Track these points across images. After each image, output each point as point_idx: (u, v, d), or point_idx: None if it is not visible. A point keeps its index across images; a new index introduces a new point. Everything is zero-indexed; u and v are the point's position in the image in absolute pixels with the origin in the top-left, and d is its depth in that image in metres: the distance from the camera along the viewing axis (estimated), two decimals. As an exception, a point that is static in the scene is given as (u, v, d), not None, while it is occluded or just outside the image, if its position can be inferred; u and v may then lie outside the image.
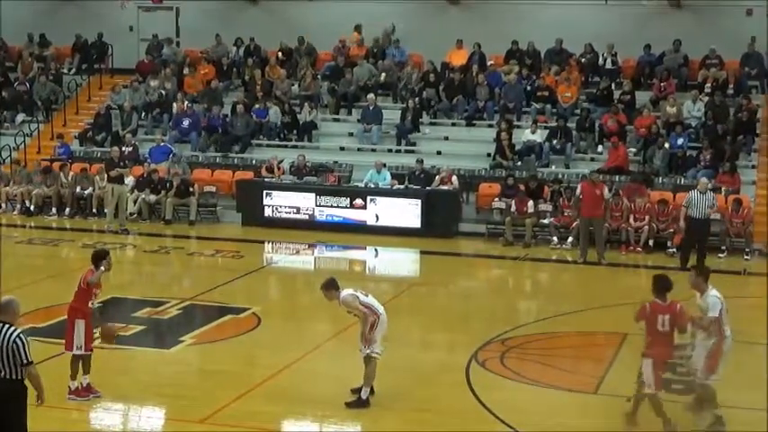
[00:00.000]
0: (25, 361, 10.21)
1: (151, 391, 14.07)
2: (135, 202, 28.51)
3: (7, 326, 10.29)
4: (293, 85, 33.33)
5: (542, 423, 13.17)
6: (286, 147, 31.03)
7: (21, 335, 10.27)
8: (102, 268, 13.57)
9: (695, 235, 23.29)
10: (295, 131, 31.55)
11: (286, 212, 27.68)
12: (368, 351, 13.55)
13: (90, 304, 13.57)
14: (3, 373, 10.26)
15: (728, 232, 25.26)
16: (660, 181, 27.41)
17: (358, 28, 34.39)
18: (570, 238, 25.41)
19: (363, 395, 13.57)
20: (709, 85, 30.39)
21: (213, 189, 29.35)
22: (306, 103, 31.95)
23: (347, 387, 13.97)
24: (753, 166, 28.18)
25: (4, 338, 10.20)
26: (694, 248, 23.17)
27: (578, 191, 24.43)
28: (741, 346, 16.97)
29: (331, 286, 13.71)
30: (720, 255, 24.84)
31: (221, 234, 27.18)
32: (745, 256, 25.00)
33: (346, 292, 13.63)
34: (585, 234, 24.08)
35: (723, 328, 13.08)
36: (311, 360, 15.72)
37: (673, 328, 12.66)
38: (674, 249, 24.48)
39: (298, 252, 25.71)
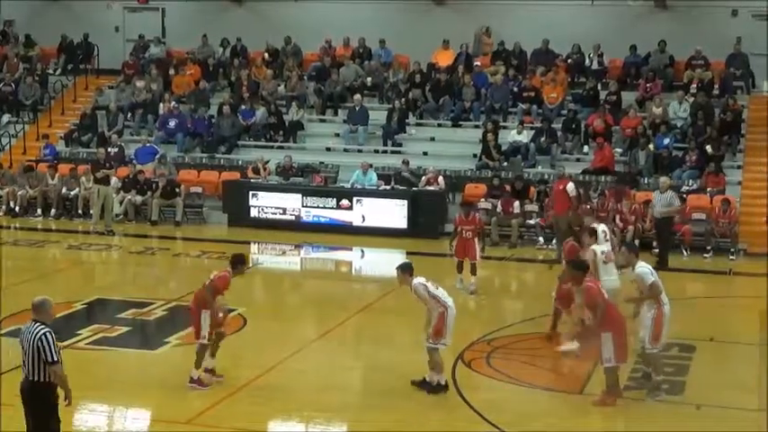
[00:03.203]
0: (50, 359, 10.02)
1: (137, 393, 14.05)
2: (121, 203, 28.48)
3: (37, 324, 10.15)
4: (279, 85, 33.31)
5: (528, 423, 13.18)
6: (272, 147, 31.01)
7: (47, 333, 10.07)
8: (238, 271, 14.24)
9: (658, 233, 23.58)
10: (281, 132, 31.52)
11: (272, 213, 27.68)
12: (433, 344, 13.81)
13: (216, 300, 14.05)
14: (28, 373, 10.13)
15: (714, 232, 25.34)
16: (645, 181, 27.47)
17: (488, 30, 33.95)
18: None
19: (442, 381, 13.90)
20: (694, 85, 30.47)
21: (199, 190, 29.34)
22: (292, 104, 31.96)
23: (333, 387, 13.97)
24: (738, 167, 28.26)
25: (31, 337, 10.06)
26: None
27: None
28: (725, 347, 17.12)
29: (406, 270, 14.05)
30: (706, 255, 24.94)
31: (207, 235, 27.16)
32: (731, 257, 25.08)
33: (418, 281, 13.91)
34: (558, 232, 24.11)
35: (660, 297, 13.75)
36: (297, 360, 15.71)
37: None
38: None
39: (284, 253, 25.71)
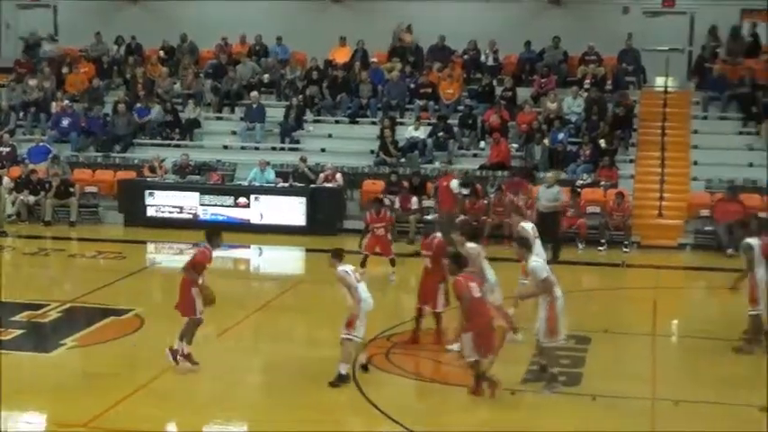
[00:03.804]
0: None
1: (32, 396, 13.80)
2: (13, 203, 28.00)
3: None
4: (175, 83, 33.08)
5: (430, 419, 13.25)
6: (169, 146, 30.78)
7: None
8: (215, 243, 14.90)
9: (543, 228, 23.87)
10: (177, 130, 31.28)
11: (169, 212, 27.49)
12: (346, 335, 14.10)
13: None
14: None
15: (608, 225, 25.73)
16: (541, 176, 27.77)
17: (409, 27, 33.75)
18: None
19: (343, 371, 14.07)
20: (588, 81, 30.91)
21: (94, 189, 29.01)
22: (188, 102, 31.73)
23: (232, 386, 13.88)
24: (631, 161, 28.75)
25: None
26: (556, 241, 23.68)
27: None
28: (619, 338, 17.41)
29: (336, 255, 14.49)
30: (601, 248, 25.32)
31: (103, 235, 26.84)
32: (624, 249, 25.51)
33: (343, 268, 14.28)
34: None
35: (553, 290, 13.89)
36: (196, 360, 15.58)
37: (483, 292, 13.75)
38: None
39: (181, 252, 25.41)
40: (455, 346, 15.62)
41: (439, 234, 16.74)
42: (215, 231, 15.16)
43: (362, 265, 20.37)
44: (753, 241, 16.15)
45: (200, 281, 14.62)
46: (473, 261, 15.33)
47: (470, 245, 16.00)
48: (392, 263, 21.15)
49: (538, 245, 17.35)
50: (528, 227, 17.68)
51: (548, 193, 24.06)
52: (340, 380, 14.07)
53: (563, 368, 14.83)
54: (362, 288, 14.35)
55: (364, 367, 14.66)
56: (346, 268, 14.38)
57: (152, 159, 28.98)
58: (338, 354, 14.16)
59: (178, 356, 14.67)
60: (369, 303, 14.33)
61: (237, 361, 15.61)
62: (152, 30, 34.94)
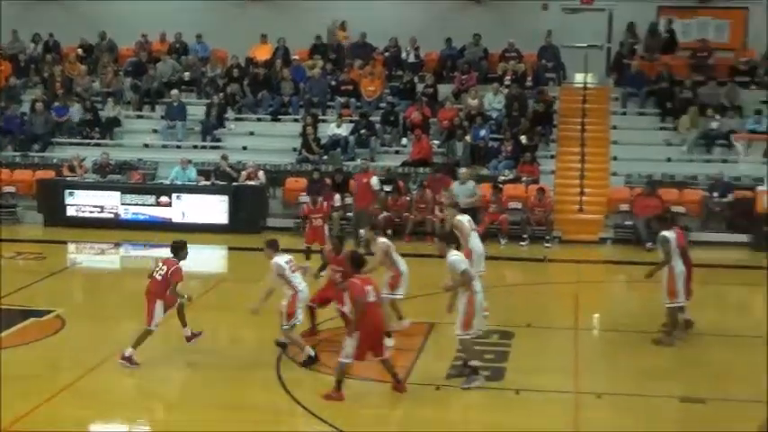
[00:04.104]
0: None
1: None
2: (-71, 204, 27.55)
3: None
4: (94, 81, 32.74)
5: (354, 415, 13.26)
6: (88, 145, 30.45)
7: None
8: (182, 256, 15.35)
9: None
10: (97, 129, 30.94)
11: (90, 212, 27.21)
12: (287, 324, 14.86)
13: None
14: None
15: (530, 221, 25.95)
16: (468, 173, 27.92)
17: (343, 25, 33.72)
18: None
19: (312, 352, 14.96)
20: (508, 77, 31.11)
21: (13, 189, 28.61)
22: (108, 100, 31.43)
23: (156, 386, 13.80)
24: (552, 157, 29.01)
25: None
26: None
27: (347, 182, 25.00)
28: (542, 332, 17.58)
29: (270, 246, 15.21)
30: (522, 243, 25.53)
31: (22, 235, 26.46)
32: (546, 244, 25.75)
33: (278, 259, 14.94)
34: (359, 225, 24.59)
35: (472, 284, 14.04)
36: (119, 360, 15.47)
37: (378, 296, 13.81)
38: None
39: (103, 252, 25.25)
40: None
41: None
42: (180, 245, 15.48)
43: (307, 258, 20.38)
44: (669, 234, 16.43)
45: (172, 294, 15.14)
46: (384, 255, 15.94)
47: (381, 240, 16.33)
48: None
49: (474, 237, 17.69)
50: (464, 220, 17.78)
51: (464, 190, 24.22)
52: (309, 361, 14.95)
53: (487, 363, 14.95)
54: (299, 278, 14.96)
55: (282, 346, 15.33)
56: (281, 259, 14.90)
57: (71, 158, 28.66)
58: (264, 353, 14.15)
59: (134, 356, 15.00)
60: (305, 293, 14.99)
61: (161, 360, 15.50)
62: (70, 27, 34.52)
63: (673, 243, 16.35)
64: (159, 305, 15.05)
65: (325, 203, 22.13)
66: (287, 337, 15.05)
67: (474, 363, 14.18)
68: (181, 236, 25.10)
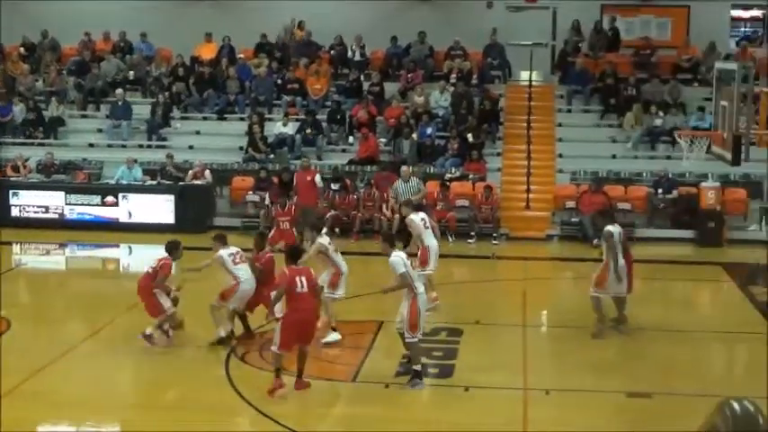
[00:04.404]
0: None
1: None
2: None
3: None
4: (37, 80, 32.43)
5: (303, 414, 13.29)
6: (32, 144, 30.16)
7: None
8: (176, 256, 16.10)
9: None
10: (41, 128, 30.67)
11: (34, 212, 26.95)
12: (216, 303, 15.82)
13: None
14: None
15: (477, 218, 26.05)
16: (410, 170, 27.97)
17: (301, 24, 33.44)
18: (325, 229, 25.61)
19: (223, 333, 15.77)
20: (454, 75, 31.18)
21: (-45, 190, 28.24)
22: (52, 99, 31.16)
23: (104, 387, 13.72)
24: (498, 154, 29.14)
25: None
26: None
27: (294, 181, 24.94)
28: (491, 329, 17.67)
29: (218, 239, 16.16)
30: (470, 240, 25.60)
31: (-35, 237, 26.17)
32: (494, 241, 25.86)
33: (222, 252, 15.77)
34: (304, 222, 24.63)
35: (414, 285, 14.04)
36: (66, 362, 15.35)
37: (311, 287, 13.74)
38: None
39: (48, 252, 25.05)
40: (329, 338, 15.81)
41: (269, 249, 17.34)
42: (175, 245, 16.19)
43: None
44: (613, 228, 16.66)
45: (163, 283, 15.90)
46: (317, 253, 16.17)
47: (319, 240, 16.42)
48: None
49: (429, 234, 17.90)
50: (417, 218, 17.93)
51: (408, 188, 24.19)
52: (220, 342, 15.60)
53: (436, 360, 15.01)
54: (243, 270, 15.60)
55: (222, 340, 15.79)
56: (224, 252, 15.72)
57: (15, 158, 28.38)
58: (213, 352, 14.12)
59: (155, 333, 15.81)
60: (248, 285, 15.64)
61: (110, 361, 15.42)
62: (12, 26, 34.16)
63: (616, 237, 16.57)
64: (158, 293, 15.81)
65: (293, 207, 22.14)
66: (212, 313, 15.72)
67: (417, 367, 14.13)
68: (127, 236, 25.51)
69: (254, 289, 15.78)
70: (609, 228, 16.73)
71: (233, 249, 15.89)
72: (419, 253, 17.93)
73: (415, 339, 14.07)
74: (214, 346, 15.63)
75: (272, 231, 21.24)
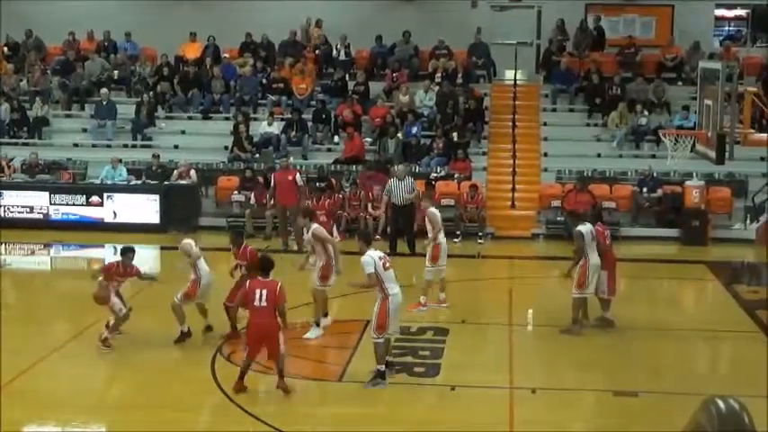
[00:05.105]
0: None
1: None
2: None
3: None
4: (22, 80, 32.31)
5: (291, 413, 13.28)
6: (17, 144, 30.07)
7: None
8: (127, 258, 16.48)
9: (400, 221, 24.03)
10: (25, 128, 30.58)
11: (19, 212, 26.88)
12: (177, 301, 16.13)
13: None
14: None
15: (463, 217, 26.07)
16: (395, 169, 27.96)
17: (318, 22, 33.37)
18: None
19: (185, 329, 16.20)
20: (439, 74, 31.20)
21: (-61, 191, 28.13)
22: (36, 99, 31.07)
23: (90, 387, 13.69)
24: (483, 153, 29.17)
25: None
26: (402, 233, 23.86)
27: (272, 180, 24.93)
28: (477, 328, 17.69)
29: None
30: (456, 239, 25.56)
31: (-51, 237, 26.09)
32: (479, 240, 25.89)
33: (187, 241, 16.44)
34: (282, 222, 24.71)
35: (384, 286, 13.97)
36: (52, 362, 15.34)
37: (271, 302, 13.54)
38: (378, 236, 24.73)
39: (33, 253, 24.99)
40: (310, 334, 15.84)
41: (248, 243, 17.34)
42: (128, 249, 16.56)
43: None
44: (583, 228, 16.75)
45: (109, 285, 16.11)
46: (319, 239, 16.49)
47: (315, 225, 16.85)
48: None
49: (442, 231, 18.69)
50: (438, 212, 18.87)
51: (403, 186, 24.16)
52: (182, 336, 16.09)
53: (422, 359, 15.03)
54: (202, 265, 16.22)
55: (208, 328, 16.51)
56: (189, 241, 16.58)
57: (-1, 158, 28.34)
58: (199, 352, 14.11)
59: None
60: (206, 280, 16.21)
61: (94, 361, 15.40)
62: (-5, 25, 34.13)
63: (588, 237, 16.63)
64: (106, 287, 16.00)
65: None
66: (174, 308, 16.00)
67: (381, 367, 14.09)
68: (113, 236, 25.43)
69: (210, 280, 16.34)
70: (579, 228, 16.87)
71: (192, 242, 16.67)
72: (431, 248, 18.39)
73: (381, 340, 14.01)
74: (180, 344, 16.03)
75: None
